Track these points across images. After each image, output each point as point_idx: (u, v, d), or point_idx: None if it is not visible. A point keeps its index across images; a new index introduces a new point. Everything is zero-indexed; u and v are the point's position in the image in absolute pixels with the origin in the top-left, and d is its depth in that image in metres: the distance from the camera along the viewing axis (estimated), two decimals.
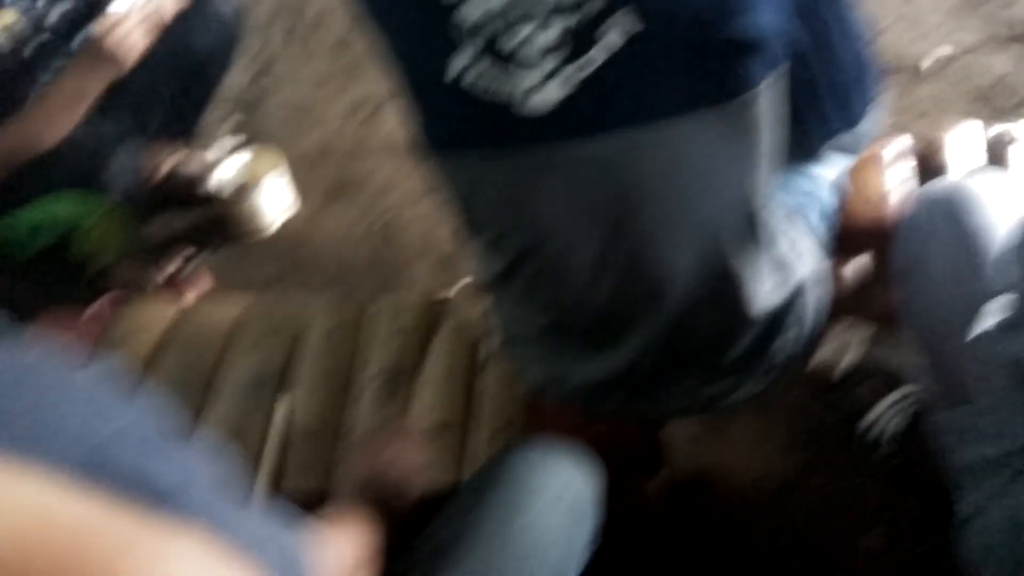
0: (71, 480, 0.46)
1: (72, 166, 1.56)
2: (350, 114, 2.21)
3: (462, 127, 0.83)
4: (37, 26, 1.62)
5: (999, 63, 1.97)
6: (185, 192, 1.99)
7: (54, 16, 1.65)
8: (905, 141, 1.34)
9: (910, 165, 1.32)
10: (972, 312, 0.87)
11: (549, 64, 0.76)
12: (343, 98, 2.25)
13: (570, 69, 0.76)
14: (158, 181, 1.95)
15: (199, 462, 0.56)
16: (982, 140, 1.40)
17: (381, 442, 1.00)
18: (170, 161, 1.97)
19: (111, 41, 1.46)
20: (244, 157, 1.92)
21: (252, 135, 2.20)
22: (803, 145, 0.98)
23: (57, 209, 1.58)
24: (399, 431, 1.04)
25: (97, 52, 1.48)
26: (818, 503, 1.34)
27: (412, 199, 1.96)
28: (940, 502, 0.99)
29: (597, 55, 0.75)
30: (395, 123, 2.13)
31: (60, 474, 0.46)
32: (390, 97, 2.15)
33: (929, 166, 1.40)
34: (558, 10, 0.74)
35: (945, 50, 2.03)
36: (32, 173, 1.55)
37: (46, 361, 0.51)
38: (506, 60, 0.77)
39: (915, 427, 1.26)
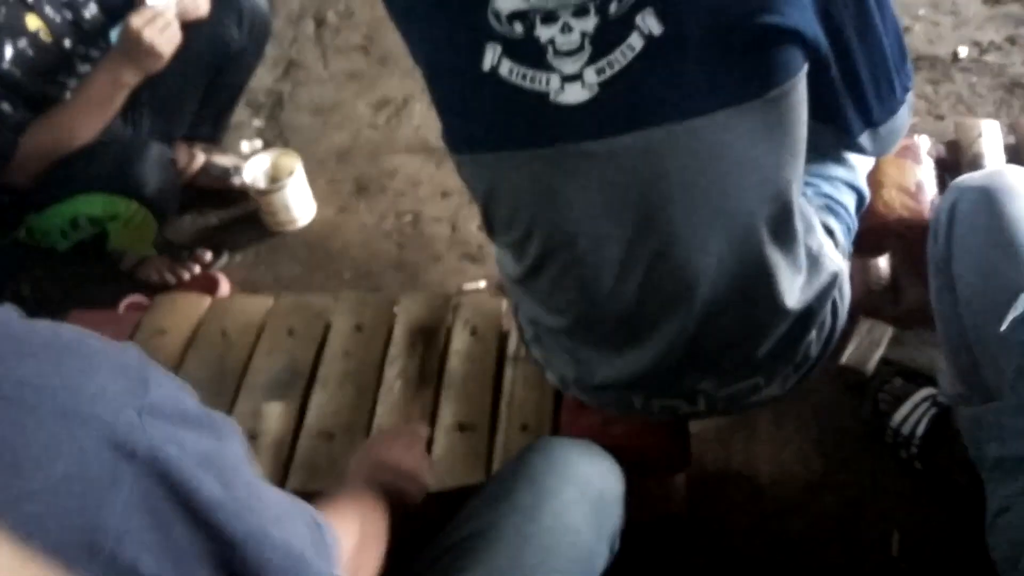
0: (110, 451, 0.48)
1: (107, 162, 1.58)
2: (375, 112, 2.22)
3: (494, 121, 0.84)
4: (76, 19, 1.64)
5: None
6: (216, 187, 2.01)
7: (92, 9, 1.67)
8: (927, 140, 1.33)
9: (934, 162, 1.31)
10: (1009, 303, 0.86)
11: (580, 69, 0.77)
12: (368, 96, 2.26)
13: (601, 72, 0.77)
14: (190, 177, 1.97)
15: (229, 437, 0.57)
16: (1000, 140, 1.39)
17: (389, 440, 1.01)
18: (201, 157, 1.99)
19: (149, 34, 1.47)
20: (265, 159, 1.94)
21: (277, 133, 2.22)
22: (837, 142, 0.98)
23: (94, 204, 1.60)
24: (408, 431, 1.05)
25: (135, 45, 1.49)
26: (844, 504, 1.33)
27: (437, 197, 1.97)
28: (965, 500, 0.98)
29: (634, 39, 0.75)
30: (420, 121, 2.14)
31: (98, 445, 0.48)
32: (415, 95, 2.17)
33: (960, 158, 1.39)
34: (585, 16, 0.75)
35: (979, 41, 2.00)
36: (69, 169, 1.57)
37: (84, 335, 0.53)
38: (539, 66, 0.78)
39: (942, 424, 1.25)
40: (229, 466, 0.55)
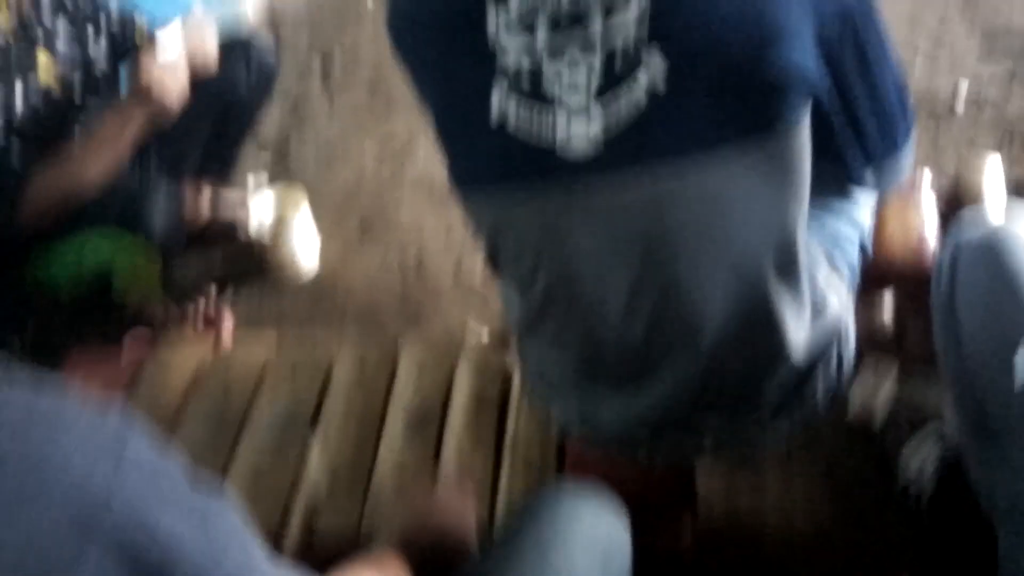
0: (73, 527, 0.45)
1: (113, 206, 1.59)
2: (381, 152, 2.23)
3: (500, 166, 0.84)
4: (86, 67, 1.66)
5: None
6: (224, 234, 2.01)
7: (101, 58, 1.69)
8: (930, 178, 1.33)
9: (938, 202, 1.31)
10: (1011, 356, 0.86)
11: (590, 105, 0.78)
12: (374, 135, 2.28)
13: (610, 108, 0.77)
14: (197, 222, 1.98)
15: (216, 513, 0.55)
16: (1002, 175, 1.39)
17: (430, 499, 0.97)
18: (208, 201, 2.00)
19: (158, 85, 1.49)
20: (271, 196, 1.95)
21: (283, 171, 2.23)
22: (839, 179, 0.98)
23: (99, 247, 1.61)
24: (450, 486, 1.02)
25: (143, 96, 1.51)
26: (853, 554, 1.30)
27: (442, 236, 1.97)
28: (976, 550, 0.96)
29: (637, 92, 0.76)
30: (425, 161, 2.16)
31: (59, 520, 0.45)
32: (420, 134, 2.19)
33: (960, 200, 1.39)
34: (596, 53, 0.76)
35: (975, 84, 2.02)
36: (75, 212, 1.58)
37: (63, 402, 0.51)
38: (546, 102, 0.79)
39: (951, 472, 1.23)
40: (213, 542, 0.52)
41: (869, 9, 0.82)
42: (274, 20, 2.65)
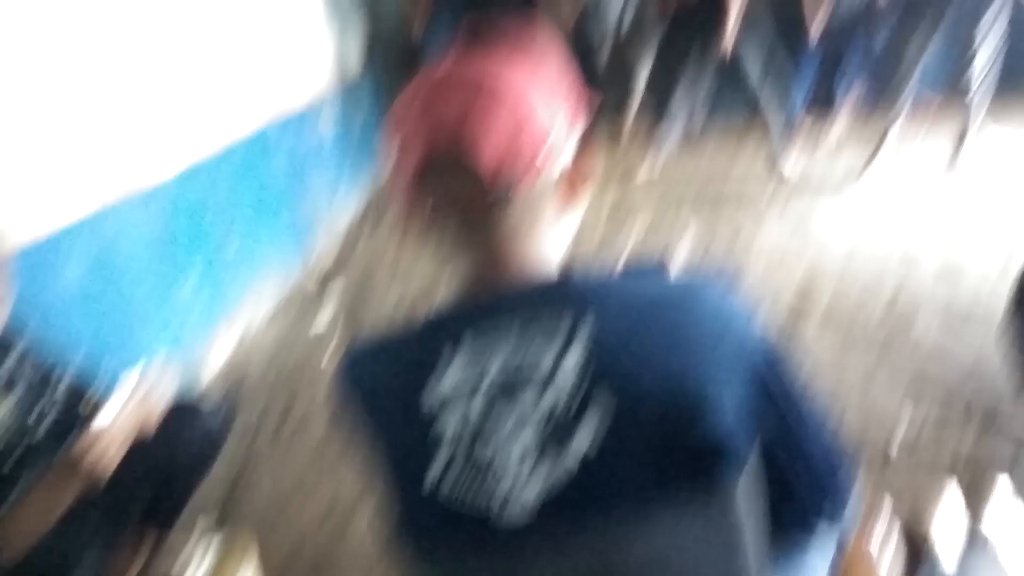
0: None
1: (39, 569, 1.49)
2: (325, 516, 2.17)
3: (440, 534, 0.82)
4: (22, 438, 1.63)
5: (962, 438, 2.02)
6: None
7: (41, 429, 1.67)
8: (884, 524, 1.32)
9: (894, 546, 1.28)
10: None
11: (524, 472, 0.78)
12: (318, 498, 2.23)
13: (544, 475, 0.77)
14: None
15: None
16: (961, 505, 1.38)
17: None
18: (139, 563, 1.87)
19: (88, 459, 1.48)
20: (214, 549, 1.83)
21: (227, 530, 2.13)
22: (798, 513, 0.97)
23: None
24: None
25: (72, 468, 1.49)
26: None
27: None
28: None
29: (570, 460, 0.77)
30: (367, 527, 2.09)
31: None
32: (364, 499, 2.13)
33: (915, 543, 1.36)
34: (530, 421, 0.78)
35: (909, 429, 2.08)
36: None
37: None
38: (482, 470, 0.79)
39: None
40: None
41: (776, 361, 0.85)
42: (231, 379, 2.71)
